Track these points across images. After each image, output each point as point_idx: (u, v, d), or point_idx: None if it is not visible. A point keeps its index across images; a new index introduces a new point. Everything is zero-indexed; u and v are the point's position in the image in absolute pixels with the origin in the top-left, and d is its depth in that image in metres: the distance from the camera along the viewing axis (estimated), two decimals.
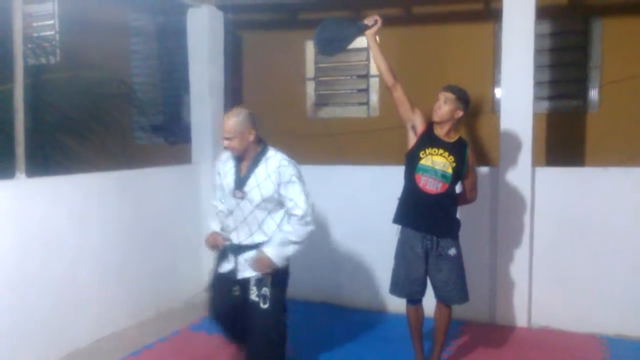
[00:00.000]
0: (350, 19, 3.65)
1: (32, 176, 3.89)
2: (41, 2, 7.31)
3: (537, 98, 4.88)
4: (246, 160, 3.24)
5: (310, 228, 3.20)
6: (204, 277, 5.43)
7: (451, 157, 3.51)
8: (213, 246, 3.37)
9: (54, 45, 6.55)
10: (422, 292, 3.66)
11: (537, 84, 4.93)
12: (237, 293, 3.29)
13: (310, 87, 6.52)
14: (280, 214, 3.24)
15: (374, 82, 6.17)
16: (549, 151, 5.52)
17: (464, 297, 3.64)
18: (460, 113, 3.54)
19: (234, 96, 6.38)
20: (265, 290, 3.18)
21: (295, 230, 3.17)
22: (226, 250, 3.33)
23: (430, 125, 3.59)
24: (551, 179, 4.61)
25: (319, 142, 6.28)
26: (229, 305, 3.34)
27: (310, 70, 6.48)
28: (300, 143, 6.28)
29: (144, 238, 4.87)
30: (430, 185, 3.50)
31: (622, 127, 5.33)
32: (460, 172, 3.55)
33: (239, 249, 3.27)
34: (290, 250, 3.20)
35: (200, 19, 5.61)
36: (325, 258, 5.25)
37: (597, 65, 5.46)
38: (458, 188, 3.67)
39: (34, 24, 7.24)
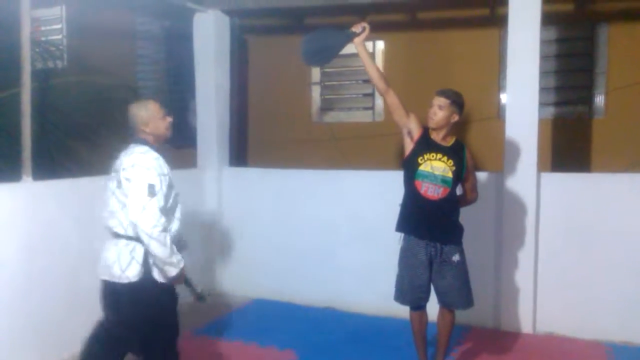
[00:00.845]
0: (338, 27, 3.63)
1: (38, 179, 3.91)
2: (49, 6, 7.36)
3: (542, 104, 4.87)
4: None
5: None
6: (212, 280, 5.48)
7: (450, 160, 3.49)
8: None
9: (61, 49, 6.56)
10: (426, 299, 3.64)
11: (543, 89, 4.91)
12: None
13: (315, 92, 6.54)
14: None
15: None
16: (554, 157, 5.51)
17: (468, 302, 3.62)
18: (456, 117, 3.52)
19: (240, 101, 6.40)
20: None
21: None
22: None
23: (426, 130, 3.56)
24: (557, 185, 4.60)
25: (324, 146, 6.29)
26: None
27: (315, 74, 6.50)
28: (305, 147, 6.32)
29: None
30: (432, 191, 3.48)
31: (628, 133, 5.32)
32: (460, 175, 3.54)
33: None
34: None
35: (207, 23, 5.64)
36: (330, 263, 5.25)
37: (603, 71, 5.46)
38: (458, 190, 3.66)
39: (42, 28, 7.30)
